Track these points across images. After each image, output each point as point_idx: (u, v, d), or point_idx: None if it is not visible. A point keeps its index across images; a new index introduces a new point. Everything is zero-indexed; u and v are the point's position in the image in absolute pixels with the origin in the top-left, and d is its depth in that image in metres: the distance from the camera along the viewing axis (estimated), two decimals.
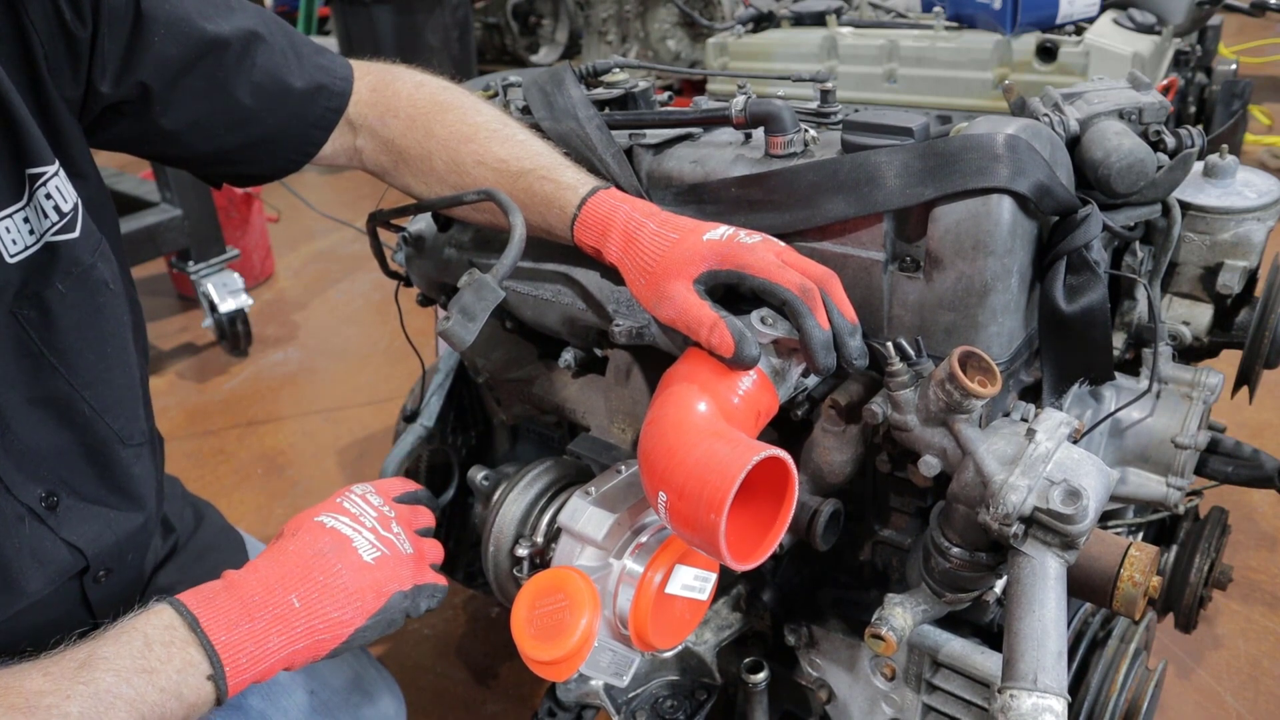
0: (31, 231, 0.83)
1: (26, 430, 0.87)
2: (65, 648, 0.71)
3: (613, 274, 1.01)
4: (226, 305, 2.86)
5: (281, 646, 0.78)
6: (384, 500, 0.94)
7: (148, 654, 0.72)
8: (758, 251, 0.86)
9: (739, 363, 0.83)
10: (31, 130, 0.80)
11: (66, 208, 0.85)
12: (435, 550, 0.95)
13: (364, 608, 0.83)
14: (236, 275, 2.90)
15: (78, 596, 0.95)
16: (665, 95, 1.30)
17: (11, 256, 0.82)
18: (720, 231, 0.89)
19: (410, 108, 1.04)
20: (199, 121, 0.95)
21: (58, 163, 0.84)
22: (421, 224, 1.32)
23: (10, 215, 0.81)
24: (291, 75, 0.99)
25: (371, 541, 0.87)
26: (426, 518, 0.97)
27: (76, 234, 0.86)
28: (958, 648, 0.97)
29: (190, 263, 2.83)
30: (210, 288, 2.84)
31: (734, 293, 0.89)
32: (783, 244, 0.90)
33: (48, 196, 0.83)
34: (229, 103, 0.95)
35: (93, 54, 0.85)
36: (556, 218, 0.99)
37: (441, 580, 0.92)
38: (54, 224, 0.84)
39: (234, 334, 2.92)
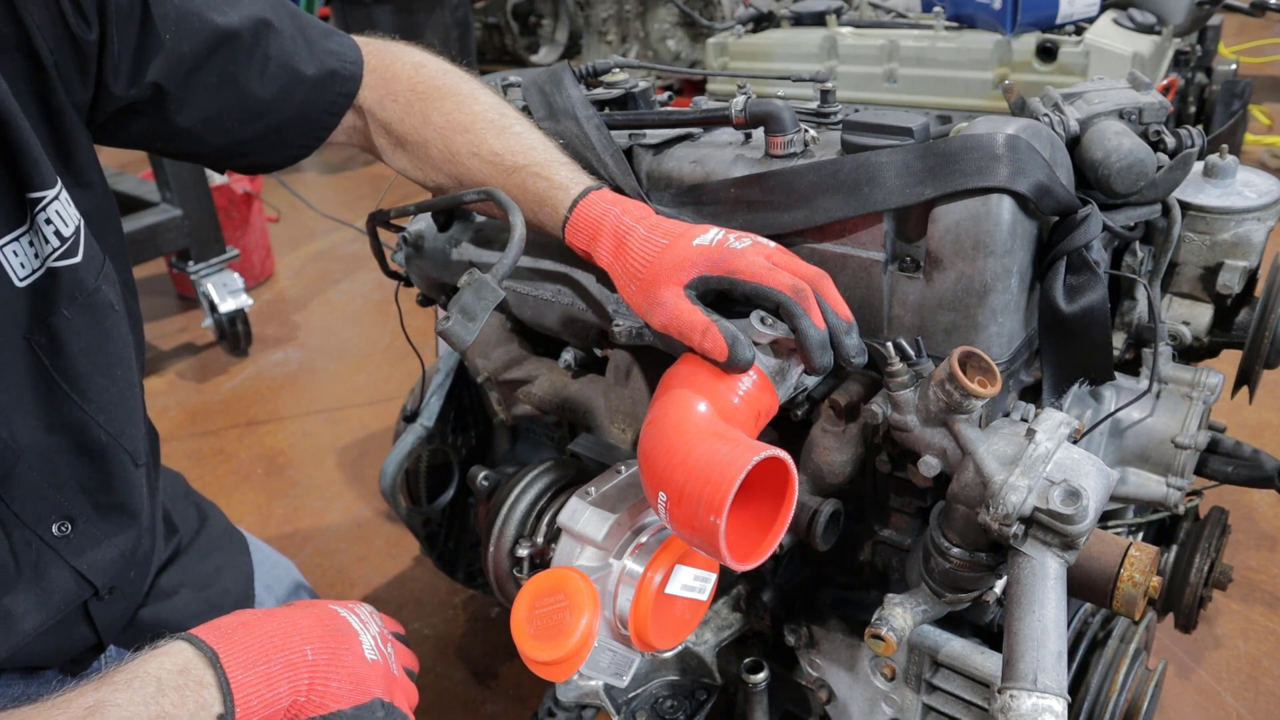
0: (36, 255, 0.81)
1: (42, 459, 0.85)
2: (72, 689, 0.68)
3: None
4: (226, 305, 2.86)
5: (286, 695, 0.75)
6: (383, 625, 0.91)
7: (160, 699, 0.68)
8: (748, 256, 0.86)
9: (733, 366, 0.83)
10: (33, 153, 0.78)
11: (68, 232, 0.82)
12: (413, 691, 0.91)
13: (352, 694, 0.80)
14: (236, 275, 2.90)
15: (80, 614, 0.95)
16: (665, 95, 1.30)
17: (21, 280, 0.80)
18: (710, 235, 0.88)
19: (409, 92, 1.03)
20: (213, 117, 0.94)
21: (59, 184, 0.82)
22: (421, 224, 1.32)
23: (14, 240, 0.79)
24: (303, 63, 0.97)
25: (374, 645, 0.85)
26: (411, 660, 0.94)
27: (79, 258, 0.84)
28: (958, 648, 0.97)
29: (190, 263, 2.83)
30: (210, 288, 2.84)
31: (727, 295, 0.89)
32: (773, 245, 0.89)
33: (48, 221, 0.80)
34: (242, 96, 0.94)
35: (102, 56, 0.83)
36: (548, 217, 0.98)
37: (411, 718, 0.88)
38: (55, 249, 0.82)
39: (234, 334, 2.91)
